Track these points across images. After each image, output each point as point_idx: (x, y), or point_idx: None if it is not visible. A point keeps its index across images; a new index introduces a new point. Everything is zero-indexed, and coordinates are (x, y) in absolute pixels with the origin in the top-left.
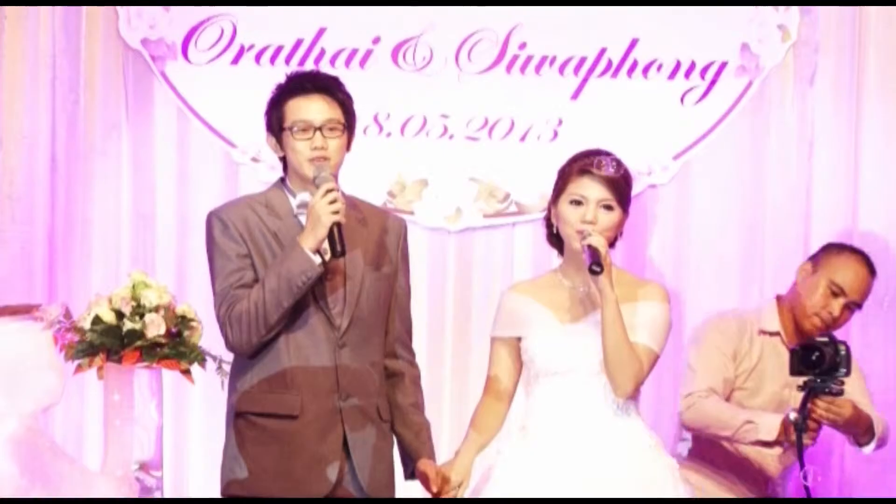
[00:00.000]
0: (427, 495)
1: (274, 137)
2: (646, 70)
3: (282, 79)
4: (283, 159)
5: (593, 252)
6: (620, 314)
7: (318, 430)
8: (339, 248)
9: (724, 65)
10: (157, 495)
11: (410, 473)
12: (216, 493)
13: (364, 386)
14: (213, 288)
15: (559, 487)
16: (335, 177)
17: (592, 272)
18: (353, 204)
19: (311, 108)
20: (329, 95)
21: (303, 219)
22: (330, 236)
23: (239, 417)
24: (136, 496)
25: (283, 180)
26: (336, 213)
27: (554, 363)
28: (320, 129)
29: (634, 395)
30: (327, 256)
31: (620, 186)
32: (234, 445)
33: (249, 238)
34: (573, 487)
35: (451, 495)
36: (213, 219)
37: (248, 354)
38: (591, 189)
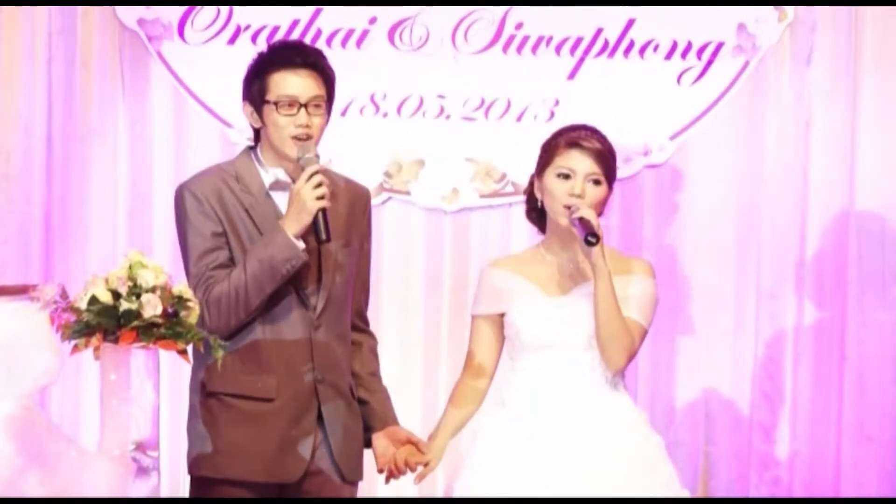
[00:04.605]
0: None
1: (252, 107)
2: (642, 50)
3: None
4: (257, 130)
5: (586, 224)
6: (613, 288)
7: (294, 413)
8: (324, 235)
9: (720, 45)
10: (153, 475)
11: (368, 441)
12: None
13: (338, 364)
14: (185, 266)
15: (539, 461)
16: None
17: (588, 243)
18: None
19: (298, 84)
20: (316, 71)
21: (275, 196)
22: (314, 222)
23: (211, 397)
24: (132, 476)
25: (252, 149)
26: (321, 198)
27: (541, 336)
28: (306, 105)
29: (623, 371)
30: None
31: (608, 161)
32: (204, 424)
33: (224, 214)
34: (555, 462)
35: (417, 474)
36: (184, 193)
37: (224, 338)
38: (579, 162)
